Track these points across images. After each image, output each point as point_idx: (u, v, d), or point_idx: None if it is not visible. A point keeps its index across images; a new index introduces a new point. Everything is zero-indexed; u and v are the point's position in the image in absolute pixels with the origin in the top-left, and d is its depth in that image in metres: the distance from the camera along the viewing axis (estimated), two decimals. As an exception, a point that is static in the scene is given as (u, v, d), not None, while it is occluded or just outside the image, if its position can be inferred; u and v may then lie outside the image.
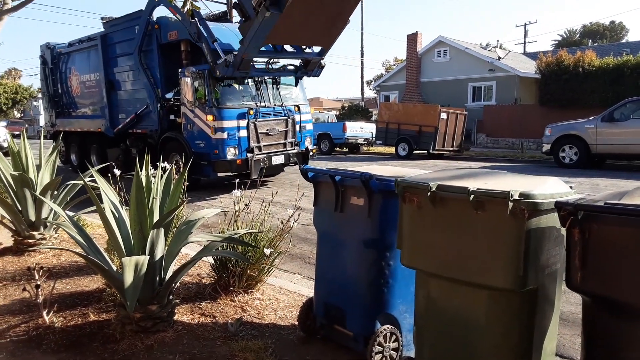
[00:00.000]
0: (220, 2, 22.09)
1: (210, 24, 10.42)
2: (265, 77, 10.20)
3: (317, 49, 10.04)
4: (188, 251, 4.91)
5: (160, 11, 10.50)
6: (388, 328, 2.78)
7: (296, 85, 11.01)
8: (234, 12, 22.04)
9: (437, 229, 2.27)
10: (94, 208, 4.98)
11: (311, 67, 10.43)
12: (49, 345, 3.09)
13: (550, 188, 2.14)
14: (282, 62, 10.33)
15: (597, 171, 12.44)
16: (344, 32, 9.54)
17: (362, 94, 37.88)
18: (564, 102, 19.20)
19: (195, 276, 4.36)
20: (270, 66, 9.92)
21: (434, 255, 2.28)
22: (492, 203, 2.05)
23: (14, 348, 3.07)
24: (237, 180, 4.41)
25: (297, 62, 10.45)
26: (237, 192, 4.07)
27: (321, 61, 10.35)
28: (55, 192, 5.26)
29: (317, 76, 10.73)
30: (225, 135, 9.38)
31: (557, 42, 50.33)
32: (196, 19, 9.22)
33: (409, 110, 18.61)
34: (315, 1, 8.00)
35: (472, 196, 2.07)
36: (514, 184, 2.17)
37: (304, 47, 9.90)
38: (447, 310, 2.30)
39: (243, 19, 8.54)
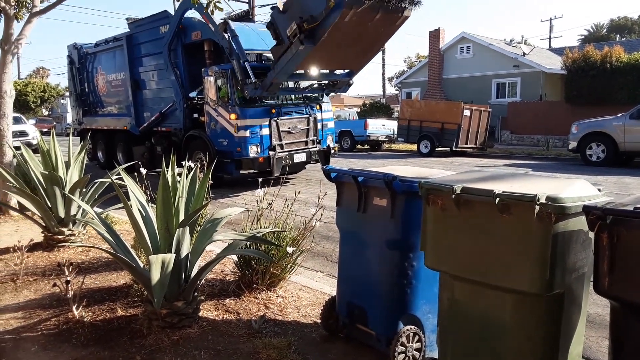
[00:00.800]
0: (242, 2, 22.25)
1: (232, 24, 10.51)
2: None
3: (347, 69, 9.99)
4: (212, 248, 4.98)
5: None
6: (411, 328, 2.78)
7: (322, 97, 10.95)
8: (256, 12, 22.12)
9: (461, 232, 2.26)
10: (121, 205, 5.11)
11: (339, 86, 10.43)
12: (79, 339, 3.18)
13: (577, 191, 2.11)
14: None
15: (625, 169, 12.16)
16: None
17: (384, 90, 37.71)
18: (591, 99, 18.76)
19: (219, 273, 4.43)
20: (297, 85, 9.86)
21: (458, 257, 2.28)
22: (518, 206, 2.04)
23: (45, 341, 3.17)
24: (261, 179, 4.45)
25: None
26: (260, 191, 4.12)
27: (350, 81, 10.29)
28: (84, 190, 5.40)
29: (345, 92, 10.73)
30: (247, 133, 9.46)
31: (583, 37, 49.26)
32: (229, 34, 9.17)
33: (431, 107, 18.44)
34: (350, 34, 7.89)
35: (497, 199, 2.06)
36: (541, 186, 2.15)
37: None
38: (472, 313, 2.29)
39: (275, 41, 8.48)
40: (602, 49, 19.59)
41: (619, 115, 12.66)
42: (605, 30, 50.02)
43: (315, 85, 10.27)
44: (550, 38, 39.92)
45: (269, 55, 10.31)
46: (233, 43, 9.20)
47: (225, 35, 9.25)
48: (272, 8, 8.49)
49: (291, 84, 10.10)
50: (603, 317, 3.70)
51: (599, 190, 2.25)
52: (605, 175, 11.03)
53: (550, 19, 39.88)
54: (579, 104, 19.16)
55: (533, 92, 22.90)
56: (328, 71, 9.69)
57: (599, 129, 12.84)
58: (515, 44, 27.03)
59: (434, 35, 26.26)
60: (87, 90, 14.54)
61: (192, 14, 10.41)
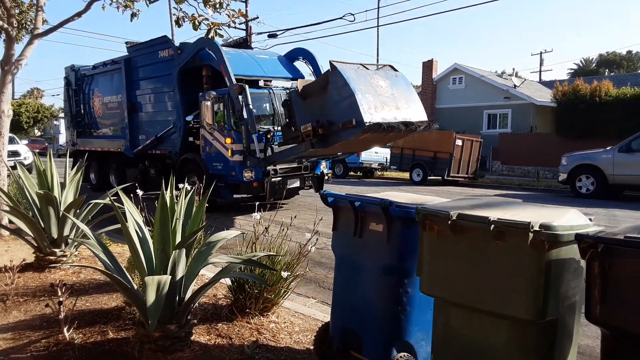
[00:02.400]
0: (240, 29, 22.68)
1: (230, 50, 10.67)
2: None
3: None
4: (204, 272, 4.96)
5: (186, 33, 10.63)
6: (404, 356, 2.78)
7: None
8: (253, 39, 22.37)
9: (457, 258, 2.30)
10: (113, 228, 5.11)
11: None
12: (69, 361, 3.14)
13: (570, 220, 2.16)
14: None
15: (614, 202, 12.30)
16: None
17: (377, 119, 37.93)
18: (581, 132, 19.05)
19: (212, 297, 4.40)
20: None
21: (453, 283, 2.31)
22: (513, 233, 2.08)
23: (35, 363, 3.13)
24: (257, 203, 4.47)
25: None
26: (257, 215, 4.14)
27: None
28: (78, 211, 5.38)
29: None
30: (242, 157, 9.50)
31: (573, 70, 50.39)
32: (243, 99, 9.05)
33: (424, 136, 18.54)
34: (362, 142, 8.07)
35: (492, 226, 2.11)
36: (534, 214, 2.20)
37: None
38: (466, 339, 2.31)
39: (287, 119, 8.46)
40: (591, 83, 20.02)
41: (608, 148, 12.89)
42: (594, 64, 51.24)
43: None
44: (540, 71, 40.84)
45: (267, 82, 10.44)
46: (246, 111, 9.08)
47: (240, 98, 9.13)
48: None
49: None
50: (593, 348, 3.72)
51: (590, 219, 2.31)
52: (595, 207, 11.16)
53: (541, 53, 40.88)
54: (568, 136, 19.44)
55: (524, 124, 23.29)
56: None
57: (589, 161, 13.04)
58: (506, 76, 27.61)
59: (427, 66, 26.77)
60: (82, 111, 14.59)
61: (190, 39, 10.54)
